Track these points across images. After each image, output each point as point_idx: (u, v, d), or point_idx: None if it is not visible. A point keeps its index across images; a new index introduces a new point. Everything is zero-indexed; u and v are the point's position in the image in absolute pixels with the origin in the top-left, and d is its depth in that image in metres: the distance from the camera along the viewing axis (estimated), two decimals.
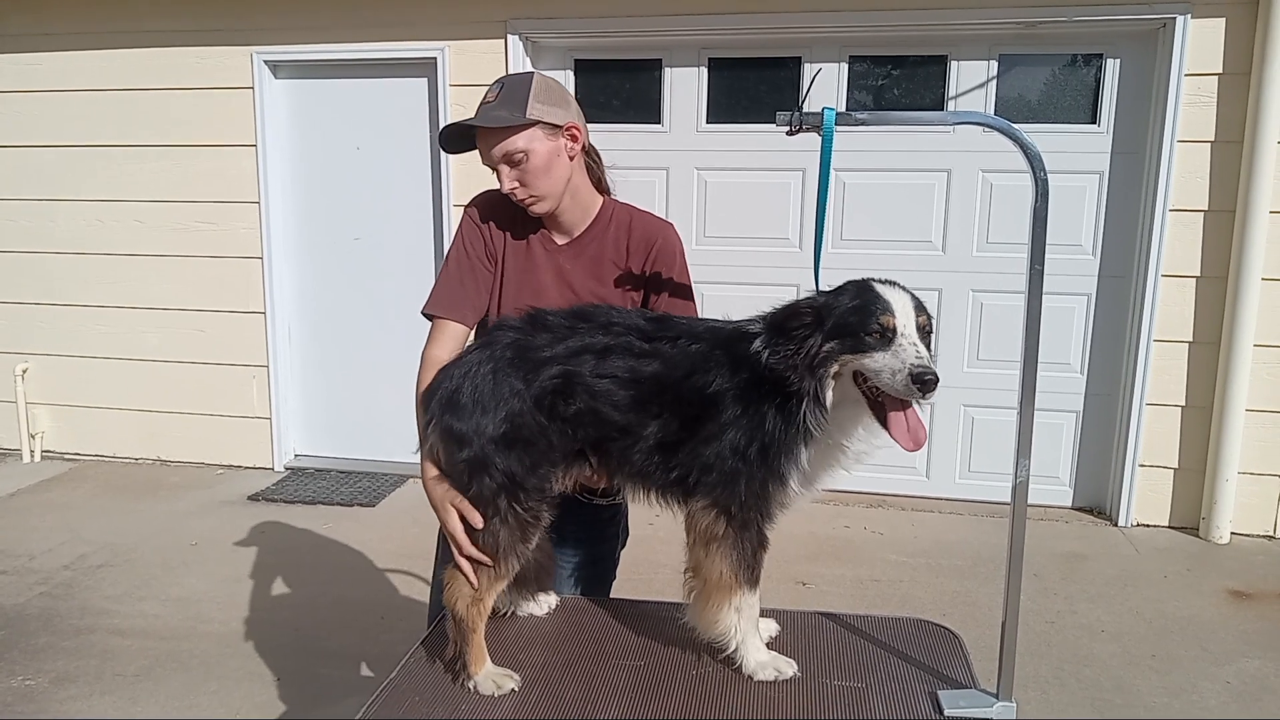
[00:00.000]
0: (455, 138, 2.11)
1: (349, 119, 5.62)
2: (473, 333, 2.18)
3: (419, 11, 5.26)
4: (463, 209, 2.23)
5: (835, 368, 1.59)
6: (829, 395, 1.61)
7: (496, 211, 2.18)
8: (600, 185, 2.22)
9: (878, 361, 1.56)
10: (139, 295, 5.89)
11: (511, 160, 2.02)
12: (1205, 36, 4.58)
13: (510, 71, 5.16)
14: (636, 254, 2.15)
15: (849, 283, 1.67)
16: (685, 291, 2.19)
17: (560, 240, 2.18)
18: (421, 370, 2.04)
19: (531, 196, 2.06)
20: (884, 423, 1.59)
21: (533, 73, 2.09)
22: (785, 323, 1.62)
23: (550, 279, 2.14)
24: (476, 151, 2.11)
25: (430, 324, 2.15)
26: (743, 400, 1.64)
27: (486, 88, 2.09)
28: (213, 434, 5.97)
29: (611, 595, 2.32)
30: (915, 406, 1.59)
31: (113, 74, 5.66)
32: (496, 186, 2.11)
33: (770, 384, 1.62)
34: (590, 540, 2.28)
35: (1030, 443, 1.61)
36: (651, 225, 2.19)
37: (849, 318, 1.58)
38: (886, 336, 1.56)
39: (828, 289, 1.69)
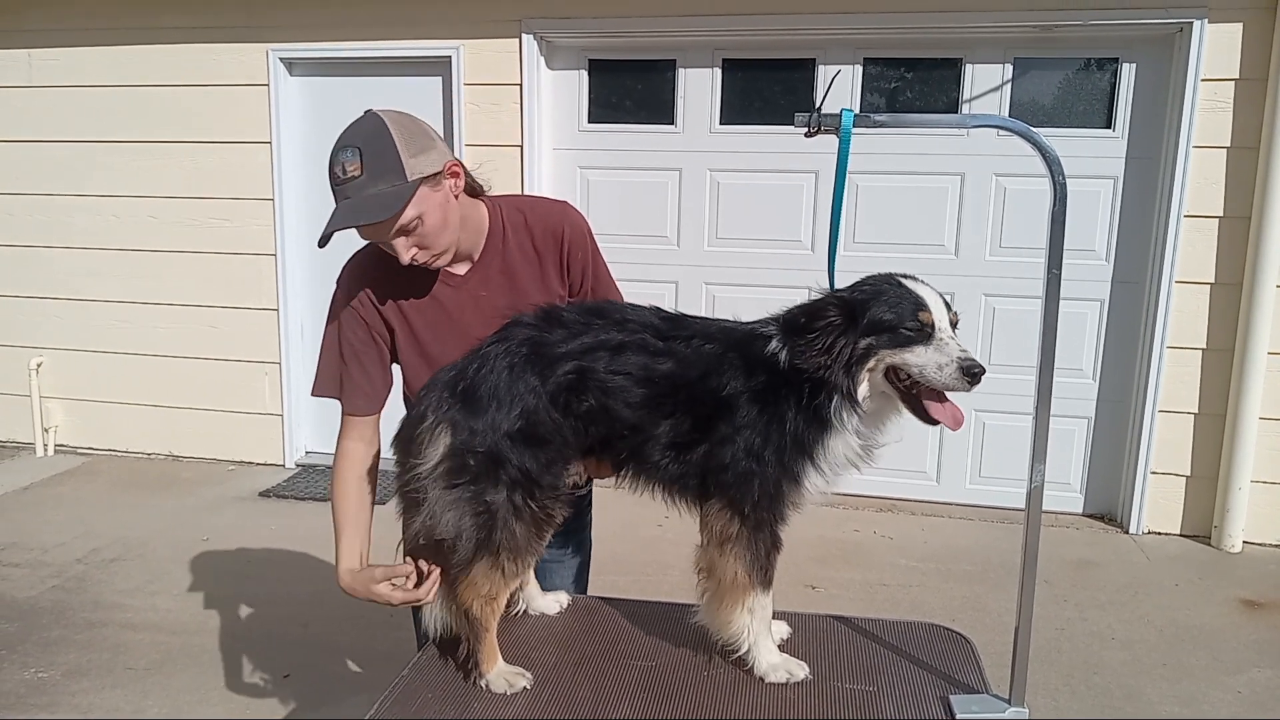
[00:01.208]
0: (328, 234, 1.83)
1: None
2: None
3: (434, 10, 5.27)
4: (335, 286, 2.04)
5: (872, 364, 1.60)
6: (862, 392, 1.61)
7: (378, 284, 1.99)
8: (474, 191, 2.01)
9: (921, 356, 1.58)
10: (153, 291, 5.92)
11: (407, 230, 1.82)
12: (1222, 41, 4.56)
13: (524, 71, 5.18)
14: (548, 251, 2.02)
15: (871, 279, 1.67)
16: (606, 271, 2.11)
17: (462, 270, 2.01)
18: (336, 462, 2.04)
19: (435, 256, 1.89)
20: (919, 412, 1.63)
21: (382, 120, 1.81)
22: (810, 321, 1.61)
23: (470, 314, 1.98)
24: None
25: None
26: (758, 402, 1.64)
27: (342, 155, 1.79)
28: (225, 430, 5.99)
29: (621, 597, 2.32)
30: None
31: (129, 70, 5.69)
32: (359, 247, 1.95)
33: (787, 384, 1.62)
34: (571, 536, 2.27)
35: (1046, 447, 1.60)
36: (550, 215, 2.04)
37: (885, 314, 1.59)
38: (925, 331, 1.58)
39: (842, 288, 1.69)
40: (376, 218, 1.77)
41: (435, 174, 1.84)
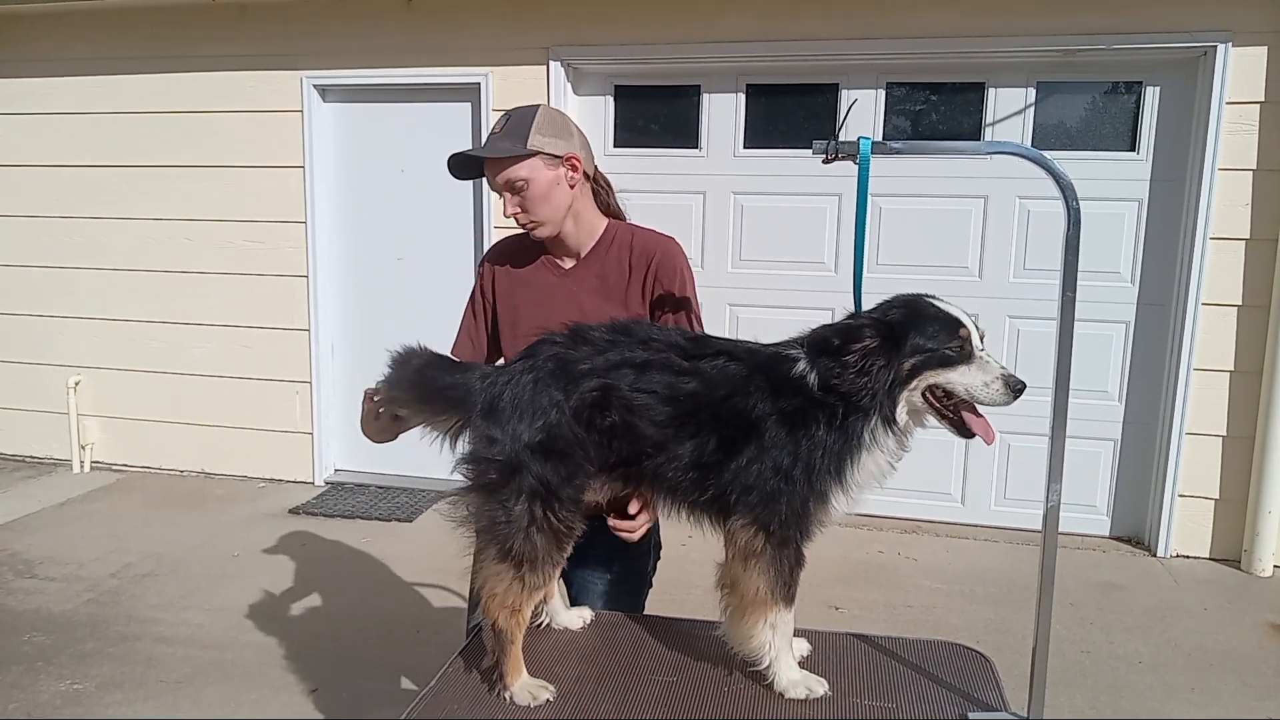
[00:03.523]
0: (463, 165, 2.21)
1: (394, 142, 5.75)
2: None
3: (464, 38, 5.39)
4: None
5: (914, 384, 1.64)
6: (901, 413, 1.65)
7: (503, 257, 2.36)
8: (609, 209, 2.33)
9: (966, 376, 1.64)
10: (188, 311, 6.05)
11: (513, 187, 2.14)
12: (1247, 64, 4.56)
13: (551, 97, 5.28)
14: (638, 269, 2.23)
15: (900, 300, 1.70)
16: (686, 304, 2.24)
17: (567, 264, 2.29)
18: None
19: (532, 221, 2.18)
20: (958, 427, 1.69)
21: (539, 105, 2.19)
22: (845, 344, 1.63)
23: (559, 302, 2.22)
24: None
25: None
26: (786, 422, 1.66)
27: (497, 119, 2.21)
28: (256, 448, 6.09)
29: (643, 613, 2.35)
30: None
31: (168, 96, 5.85)
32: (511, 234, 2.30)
33: (816, 405, 1.65)
34: (618, 559, 2.31)
35: (1062, 466, 1.63)
36: (651, 240, 2.26)
37: (926, 335, 1.63)
38: (966, 350, 1.64)
39: (870, 309, 1.72)
40: (485, 153, 2.14)
41: (555, 156, 2.15)
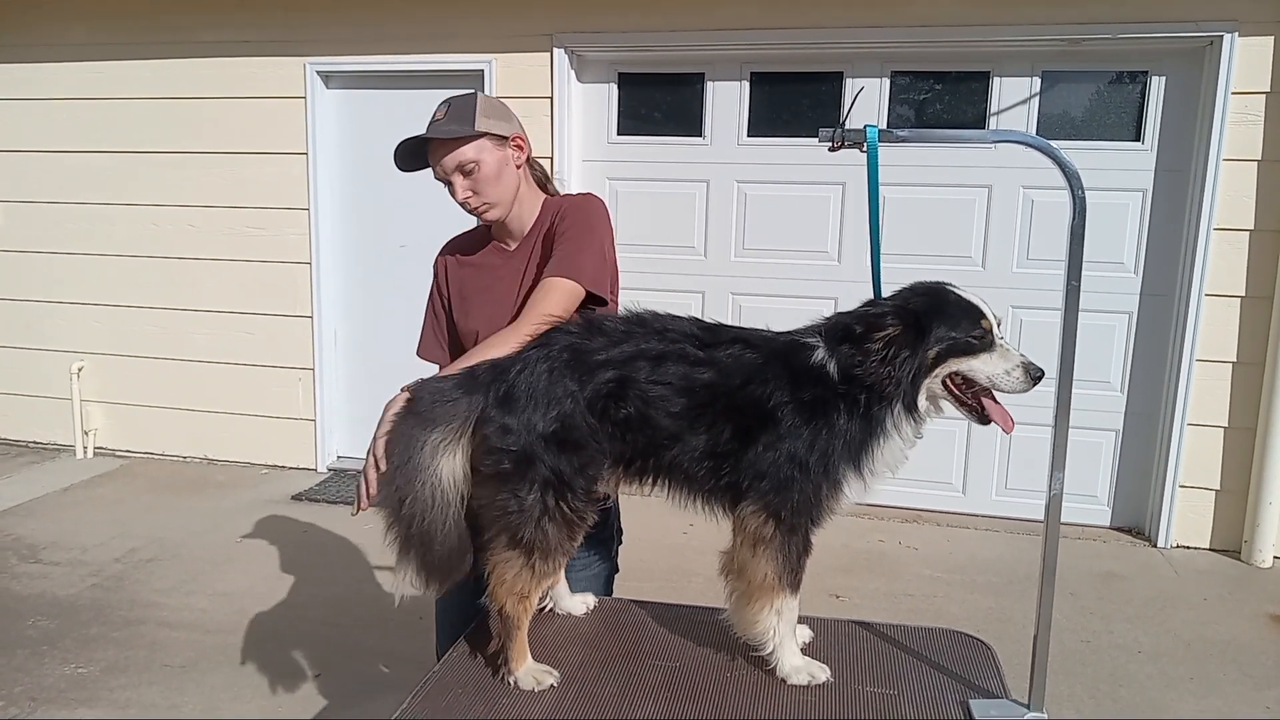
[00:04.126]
0: (408, 156, 2.20)
1: (397, 128, 5.64)
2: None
3: (467, 25, 5.37)
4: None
5: (938, 372, 1.65)
6: (922, 401, 1.66)
7: (454, 249, 2.39)
8: (545, 188, 2.36)
9: (988, 364, 1.65)
10: (191, 297, 6.06)
11: (463, 170, 2.15)
12: (1253, 54, 4.55)
13: (554, 84, 5.27)
14: (557, 223, 2.24)
15: (919, 288, 1.71)
16: (573, 247, 2.11)
17: (512, 246, 2.31)
18: None
19: (484, 204, 2.18)
20: (978, 415, 1.70)
21: (476, 92, 2.21)
22: (868, 331, 1.63)
23: (507, 283, 2.25)
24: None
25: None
26: (802, 410, 1.66)
27: (437, 108, 2.20)
28: (259, 434, 6.11)
29: (634, 598, 2.34)
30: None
31: (171, 83, 5.84)
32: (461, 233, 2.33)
33: (834, 393, 1.65)
34: (585, 546, 2.30)
35: (1065, 455, 1.63)
36: (571, 198, 2.30)
37: (949, 323, 1.64)
38: (987, 339, 1.64)
39: (887, 297, 1.72)
40: (434, 135, 2.12)
41: (501, 136, 2.17)
